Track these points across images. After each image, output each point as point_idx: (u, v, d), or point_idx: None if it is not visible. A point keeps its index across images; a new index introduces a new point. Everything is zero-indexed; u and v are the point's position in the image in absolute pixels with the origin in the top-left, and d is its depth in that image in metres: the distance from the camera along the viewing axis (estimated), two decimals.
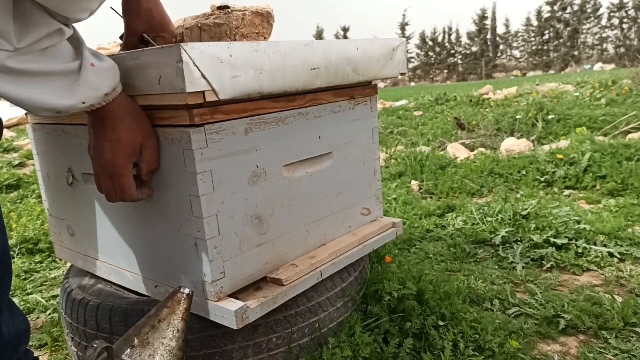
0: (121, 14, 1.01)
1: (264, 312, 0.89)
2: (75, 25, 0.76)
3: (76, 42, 0.75)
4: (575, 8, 45.54)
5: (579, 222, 1.86)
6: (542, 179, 2.73)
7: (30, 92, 0.69)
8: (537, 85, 8.23)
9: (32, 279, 1.86)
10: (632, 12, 43.03)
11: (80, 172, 1.06)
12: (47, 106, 0.71)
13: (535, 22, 47.65)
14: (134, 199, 0.85)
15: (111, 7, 1.04)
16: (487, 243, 1.91)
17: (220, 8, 1.03)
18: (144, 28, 0.99)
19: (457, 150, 3.77)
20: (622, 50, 42.16)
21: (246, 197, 0.90)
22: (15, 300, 1.66)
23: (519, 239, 1.86)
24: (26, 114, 1.18)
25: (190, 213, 0.84)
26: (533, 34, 48.09)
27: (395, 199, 2.52)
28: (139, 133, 0.82)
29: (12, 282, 0.96)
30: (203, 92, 0.77)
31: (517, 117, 4.75)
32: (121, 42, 1.06)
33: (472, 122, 5.05)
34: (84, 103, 0.74)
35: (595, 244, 1.74)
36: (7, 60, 0.65)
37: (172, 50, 0.75)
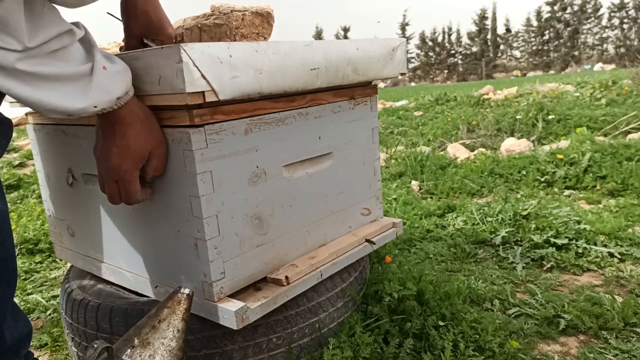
0: (119, 17, 1.01)
1: (264, 312, 0.90)
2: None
3: (87, 43, 0.74)
4: (575, 8, 45.56)
5: (579, 222, 1.86)
6: (542, 179, 2.73)
7: (41, 94, 0.68)
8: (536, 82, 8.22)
9: (32, 279, 1.86)
10: (632, 12, 43.04)
11: (80, 173, 1.06)
12: (58, 109, 0.70)
13: (535, 22, 47.68)
14: (137, 202, 0.85)
15: (108, 12, 1.04)
16: (487, 243, 1.91)
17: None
18: (141, 30, 0.99)
19: (457, 150, 3.77)
20: (622, 50, 42.16)
21: (246, 197, 0.90)
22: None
23: (519, 239, 1.86)
24: (26, 114, 1.18)
25: (190, 213, 0.84)
26: (533, 34, 48.10)
27: (395, 199, 2.52)
28: (148, 140, 0.81)
29: None
30: (203, 92, 0.77)
31: (517, 117, 4.75)
32: (122, 43, 1.06)
33: (472, 122, 5.05)
34: (95, 107, 0.73)
35: (595, 244, 1.74)
36: (17, 63, 0.64)
37: (171, 50, 0.75)
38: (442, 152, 3.70)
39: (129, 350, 0.74)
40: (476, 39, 48.90)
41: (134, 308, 0.98)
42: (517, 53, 49.61)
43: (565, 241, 1.75)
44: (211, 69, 0.78)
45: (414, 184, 2.89)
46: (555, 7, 46.38)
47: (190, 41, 1.09)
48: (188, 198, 0.83)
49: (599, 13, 44.72)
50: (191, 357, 0.94)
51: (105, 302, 1.01)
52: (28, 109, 1.08)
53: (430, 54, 50.84)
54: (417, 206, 2.39)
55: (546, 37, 47.52)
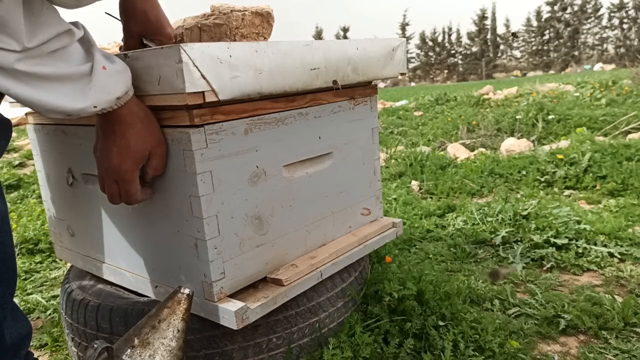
0: (118, 17, 1.01)
1: (264, 313, 0.89)
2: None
3: (87, 43, 0.74)
4: (575, 8, 45.57)
5: (579, 222, 1.86)
6: (542, 179, 2.73)
7: (41, 94, 0.68)
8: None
9: (32, 279, 1.86)
10: (632, 12, 43.03)
11: (80, 173, 1.06)
12: (58, 109, 0.70)
13: (535, 22, 47.69)
14: (137, 202, 0.85)
15: (106, 12, 1.04)
16: (487, 243, 1.91)
17: None
18: (140, 30, 0.99)
19: (457, 150, 3.77)
20: (622, 50, 42.15)
21: (246, 197, 0.90)
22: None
23: (519, 239, 1.86)
24: (26, 114, 1.18)
25: (190, 213, 0.84)
26: (533, 34, 48.10)
27: (395, 199, 2.52)
28: (148, 140, 0.81)
29: None
30: (202, 93, 0.77)
31: (517, 117, 4.75)
32: (122, 43, 1.06)
33: (472, 122, 5.05)
34: (95, 107, 0.73)
35: (595, 244, 1.74)
36: (16, 63, 0.64)
37: (171, 50, 0.75)
38: (442, 152, 3.70)
39: (129, 350, 0.74)
40: (476, 39, 48.91)
41: (134, 308, 0.98)
42: (517, 53, 49.63)
43: (565, 241, 1.75)
44: (211, 69, 0.78)
45: (414, 184, 2.89)
46: (555, 7, 46.37)
47: (190, 41, 1.10)
48: (188, 198, 0.83)
49: (599, 13, 44.71)
50: (191, 357, 0.94)
51: (105, 302, 1.01)
52: (28, 109, 1.08)
53: (430, 54, 50.83)
54: (417, 206, 2.39)
55: (546, 37, 47.52)
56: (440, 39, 50.39)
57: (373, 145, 1.24)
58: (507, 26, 48.98)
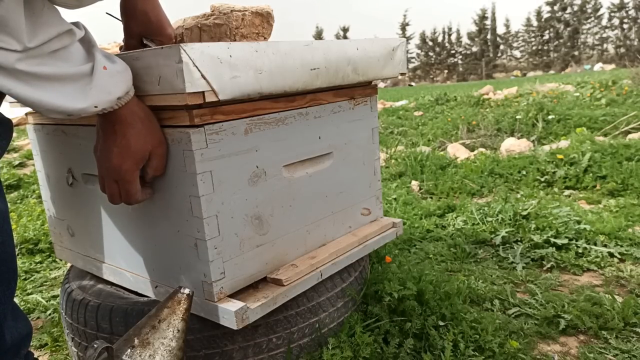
0: (118, 17, 1.01)
1: (264, 313, 0.90)
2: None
3: (87, 43, 0.74)
4: (575, 8, 45.57)
5: (579, 222, 1.86)
6: (542, 179, 2.73)
7: (42, 94, 0.68)
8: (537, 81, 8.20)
9: (32, 279, 1.86)
10: (632, 12, 43.03)
11: (80, 173, 1.06)
12: (59, 109, 0.70)
13: (535, 22, 47.69)
14: (138, 202, 0.85)
15: (107, 12, 1.04)
16: (487, 243, 1.91)
17: None
18: (141, 30, 0.99)
19: (457, 150, 3.77)
20: (622, 50, 42.15)
21: (246, 197, 0.90)
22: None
23: (519, 239, 1.86)
24: (26, 114, 1.18)
25: (190, 213, 0.84)
26: (533, 34, 48.11)
27: (395, 199, 2.52)
28: (148, 140, 0.81)
29: None
30: (202, 93, 0.77)
31: (517, 117, 4.75)
32: (122, 43, 1.06)
33: (472, 122, 5.05)
34: (95, 107, 0.73)
35: (595, 244, 1.74)
36: (17, 63, 0.64)
37: (171, 50, 0.75)
38: (442, 152, 3.70)
39: (129, 350, 0.74)
40: (476, 39, 48.90)
41: (134, 308, 0.98)
42: (517, 53, 49.63)
43: (565, 241, 1.75)
44: (211, 69, 0.78)
45: (414, 184, 2.89)
46: (555, 7, 46.38)
47: (190, 41, 1.10)
48: (188, 198, 0.83)
49: (599, 13, 44.72)
50: (191, 357, 0.94)
51: (105, 302, 1.01)
52: (28, 109, 1.08)
53: (430, 54, 50.85)
54: (417, 206, 2.39)
55: (546, 37, 47.52)
56: (440, 39, 50.43)
57: (373, 145, 1.24)
58: (507, 26, 49.01)
